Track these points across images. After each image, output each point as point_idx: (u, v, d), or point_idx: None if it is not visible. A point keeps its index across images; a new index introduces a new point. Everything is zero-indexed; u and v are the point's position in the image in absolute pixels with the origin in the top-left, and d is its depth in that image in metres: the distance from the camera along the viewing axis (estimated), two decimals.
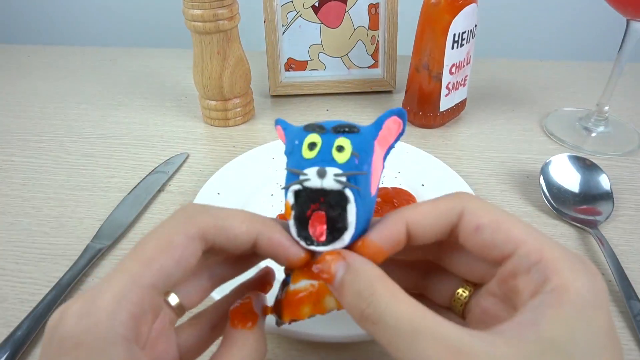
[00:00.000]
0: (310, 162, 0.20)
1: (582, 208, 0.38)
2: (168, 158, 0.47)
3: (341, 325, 0.28)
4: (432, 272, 0.24)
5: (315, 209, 0.20)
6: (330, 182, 0.19)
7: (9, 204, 0.42)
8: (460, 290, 0.22)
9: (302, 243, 0.20)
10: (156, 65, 0.67)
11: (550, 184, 0.40)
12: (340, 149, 0.20)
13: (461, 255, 0.22)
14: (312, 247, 0.20)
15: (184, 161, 0.47)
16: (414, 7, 0.49)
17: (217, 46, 0.47)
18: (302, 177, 0.20)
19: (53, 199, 0.42)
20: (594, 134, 0.49)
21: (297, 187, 0.20)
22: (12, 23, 0.92)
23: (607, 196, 0.39)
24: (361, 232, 0.20)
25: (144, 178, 0.44)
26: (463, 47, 0.47)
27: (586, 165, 0.41)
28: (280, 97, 0.58)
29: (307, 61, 0.57)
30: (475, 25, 0.47)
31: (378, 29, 0.55)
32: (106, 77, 0.64)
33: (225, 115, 0.51)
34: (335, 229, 0.20)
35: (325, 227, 0.20)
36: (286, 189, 0.20)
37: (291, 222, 0.20)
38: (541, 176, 0.41)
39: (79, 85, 0.62)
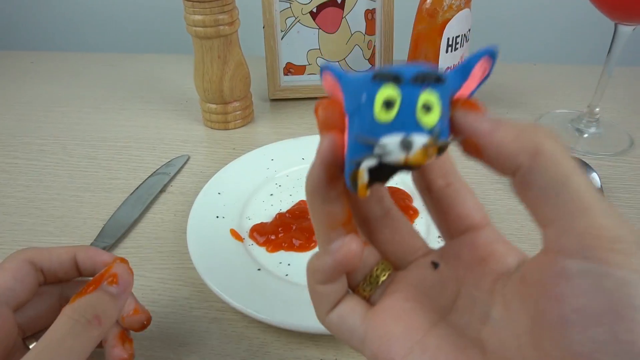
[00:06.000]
0: (388, 127, 0.15)
1: None
2: (169, 160, 0.48)
3: None
4: None
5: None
6: (417, 156, 0.15)
7: (13, 204, 0.43)
8: (378, 270, 0.20)
9: None
10: (157, 70, 0.68)
11: None
12: (427, 107, 0.15)
13: (401, 225, 0.21)
14: None
15: (185, 163, 0.48)
16: (410, 13, 0.50)
17: (218, 51, 0.48)
18: (378, 150, 0.15)
19: (56, 200, 0.43)
20: (585, 135, 0.50)
21: (371, 162, 0.15)
22: (15, 29, 0.93)
23: None
24: None
25: (146, 179, 0.45)
26: (457, 51, 0.48)
27: None
28: (279, 100, 0.59)
29: (305, 65, 0.58)
30: (469, 30, 0.49)
31: (374, 34, 0.57)
32: (108, 82, 0.65)
33: (225, 119, 0.53)
34: None
35: None
36: (356, 164, 0.15)
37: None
38: None
39: (81, 90, 0.63)
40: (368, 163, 0.15)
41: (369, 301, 0.20)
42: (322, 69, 0.17)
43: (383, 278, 0.20)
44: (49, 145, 0.51)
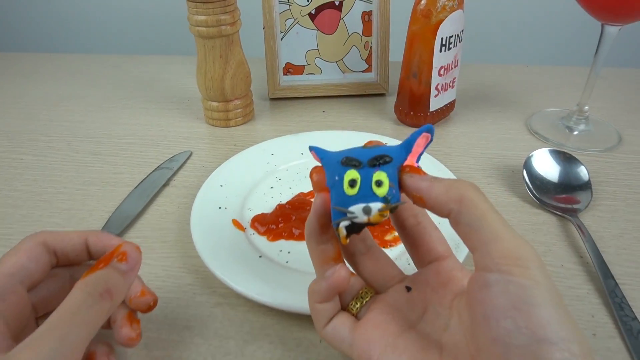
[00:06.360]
0: (354, 199, 0.21)
1: (561, 197, 0.41)
2: (172, 155, 0.49)
3: None
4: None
5: None
6: (375, 217, 0.21)
7: (21, 197, 0.44)
8: (362, 292, 0.26)
9: None
10: (159, 71, 0.70)
11: (532, 176, 0.43)
12: (379, 183, 0.21)
13: (380, 258, 0.27)
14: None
15: (188, 158, 0.49)
16: (405, 14, 0.52)
17: (220, 50, 0.49)
18: (349, 215, 0.21)
19: (63, 193, 0.45)
20: (575, 132, 0.52)
21: (346, 223, 0.22)
22: (20, 32, 0.95)
23: (586, 186, 0.41)
24: None
25: (150, 174, 0.46)
26: (451, 51, 0.50)
27: (566, 158, 0.43)
28: (278, 99, 0.61)
29: (304, 66, 0.60)
30: (462, 30, 0.50)
31: (371, 35, 0.59)
32: (111, 83, 0.67)
33: (226, 116, 0.54)
34: None
35: None
36: (336, 224, 0.22)
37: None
38: (524, 169, 0.43)
39: (85, 90, 0.65)
40: (344, 223, 0.22)
41: (356, 317, 0.25)
42: (310, 148, 0.25)
43: (366, 299, 0.26)
44: (55, 142, 0.53)
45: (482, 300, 0.19)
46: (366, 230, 0.27)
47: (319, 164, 0.24)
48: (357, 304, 0.26)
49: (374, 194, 0.21)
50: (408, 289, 0.26)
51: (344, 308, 0.26)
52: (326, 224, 0.24)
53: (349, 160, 0.22)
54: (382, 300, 0.25)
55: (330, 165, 0.23)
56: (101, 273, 0.24)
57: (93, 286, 0.24)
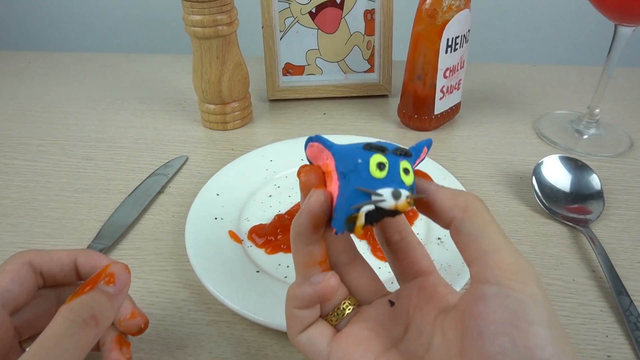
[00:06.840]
0: (382, 182, 0.20)
1: (573, 207, 0.39)
2: (168, 161, 0.48)
3: None
4: None
5: None
6: (403, 204, 0.20)
7: (10, 206, 0.42)
8: (345, 304, 0.24)
9: None
10: (155, 70, 0.68)
11: (542, 184, 0.41)
12: (406, 171, 0.21)
13: (365, 271, 0.25)
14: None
15: (184, 164, 0.48)
16: (409, 13, 0.50)
17: (216, 51, 0.48)
18: (375, 198, 0.19)
19: (54, 201, 0.43)
20: (585, 136, 0.50)
21: (370, 207, 0.19)
22: (12, 29, 0.93)
23: (598, 195, 0.40)
24: None
25: (144, 180, 0.45)
26: (457, 52, 0.48)
27: (577, 166, 0.41)
28: (278, 101, 0.59)
29: (304, 66, 0.58)
30: (469, 30, 0.48)
31: (374, 35, 0.57)
32: (106, 83, 0.65)
33: (224, 119, 0.52)
34: None
35: None
36: (356, 209, 0.20)
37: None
38: (533, 177, 0.41)
39: (79, 90, 0.63)
40: (367, 208, 0.19)
41: (335, 328, 0.24)
42: (311, 140, 0.22)
43: (348, 311, 0.24)
44: (47, 146, 0.51)
45: (478, 315, 0.18)
46: (350, 239, 0.24)
47: (308, 164, 0.23)
48: (337, 315, 0.24)
49: (402, 181, 0.20)
50: (391, 303, 0.24)
51: (323, 316, 0.24)
52: (319, 224, 0.22)
53: (372, 145, 0.21)
54: (364, 313, 0.24)
55: (346, 152, 0.21)
56: (86, 297, 0.23)
57: (77, 312, 0.22)
